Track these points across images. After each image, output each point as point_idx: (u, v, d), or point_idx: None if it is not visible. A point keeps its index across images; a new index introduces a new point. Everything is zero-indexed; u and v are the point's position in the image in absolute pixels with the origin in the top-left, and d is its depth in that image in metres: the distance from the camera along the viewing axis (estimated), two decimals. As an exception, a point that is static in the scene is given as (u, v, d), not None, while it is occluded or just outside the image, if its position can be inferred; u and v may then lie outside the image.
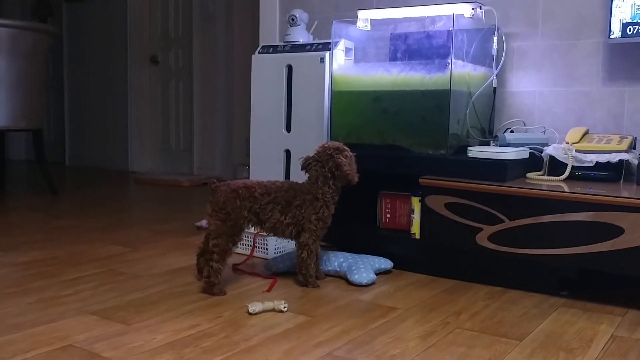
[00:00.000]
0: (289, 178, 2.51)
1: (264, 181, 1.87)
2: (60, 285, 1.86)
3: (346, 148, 1.90)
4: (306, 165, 1.90)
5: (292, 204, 1.85)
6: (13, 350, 1.36)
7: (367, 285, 1.92)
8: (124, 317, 1.58)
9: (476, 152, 2.03)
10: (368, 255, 2.07)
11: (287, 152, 2.54)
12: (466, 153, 2.07)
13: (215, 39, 4.78)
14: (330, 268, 2.00)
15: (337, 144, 1.90)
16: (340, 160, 1.85)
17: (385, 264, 2.05)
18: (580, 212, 1.75)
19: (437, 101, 2.10)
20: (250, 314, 1.61)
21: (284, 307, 1.64)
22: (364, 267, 1.96)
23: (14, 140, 6.24)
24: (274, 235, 1.92)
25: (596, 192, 1.76)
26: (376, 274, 1.98)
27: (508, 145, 2.14)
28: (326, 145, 1.89)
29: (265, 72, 2.57)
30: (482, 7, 2.28)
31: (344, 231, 2.26)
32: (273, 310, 1.64)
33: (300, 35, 2.59)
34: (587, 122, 2.27)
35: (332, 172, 1.86)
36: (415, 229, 2.11)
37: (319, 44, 2.47)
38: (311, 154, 1.91)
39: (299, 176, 2.22)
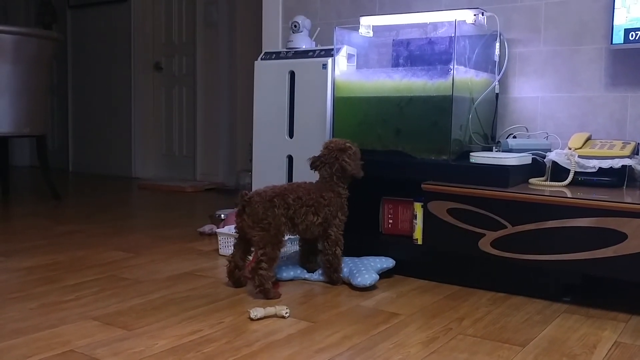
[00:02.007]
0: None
1: (286, 185, 1.93)
2: (62, 291, 1.86)
3: (350, 145, 2.01)
4: (315, 166, 2.02)
5: (322, 203, 1.93)
6: (15, 355, 1.36)
7: (371, 286, 1.92)
8: (126, 323, 1.58)
9: (479, 157, 2.03)
10: (368, 257, 2.06)
11: (290, 158, 2.54)
12: (469, 159, 2.07)
13: (218, 46, 4.79)
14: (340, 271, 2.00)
15: (340, 143, 2.00)
16: (344, 162, 1.97)
17: (387, 262, 2.04)
18: (583, 217, 1.74)
19: (440, 107, 2.10)
20: (252, 319, 1.61)
21: (286, 313, 1.63)
22: (365, 269, 1.96)
23: (17, 146, 6.26)
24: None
25: (599, 197, 1.76)
26: (379, 274, 1.98)
27: (510, 151, 2.14)
28: (330, 146, 2.00)
29: (268, 78, 2.58)
30: (484, 13, 2.28)
31: (346, 236, 2.25)
32: (275, 316, 1.64)
33: (303, 42, 2.60)
34: (590, 128, 2.27)
35: (338, 172, 1.98)
36: (418, 234, 2.11)
37: (322, 50, 2.48)
38: (317, 154, 2.03)
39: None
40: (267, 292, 1.79)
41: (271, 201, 1.84)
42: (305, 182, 1.99)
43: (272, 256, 1.81)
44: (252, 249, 1.88)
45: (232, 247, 1.93)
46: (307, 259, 2.08)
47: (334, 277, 1.97)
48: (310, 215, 1.91)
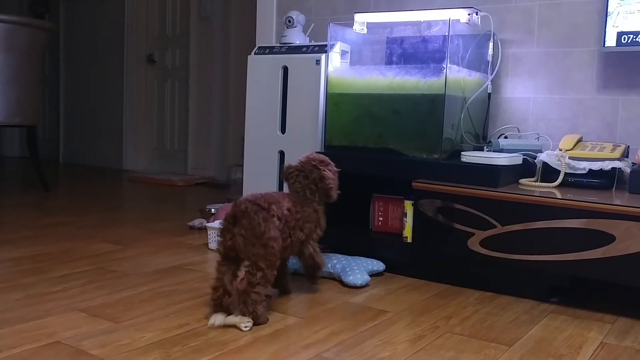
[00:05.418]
0: (283, 180, 2.50)
1: (272, 193, 1.66)
2: (49, 282, 1.85)
3: (331, 162, 1.81)
4: (287, 174, 1.79)
5: (305, 219, 1.72)
6: (0, 346, 1.35)
7: (361, 287, 1.92)
8: (113, 315, 1.58)
9: (469, 157, 2.04)
10: (360, 257, 2.07)
11: (282, 154, 2.53)
12: (460, 158, 2.07)
13: (211, 39, 4.77)
14: (323, 270, 2.00)
15: (322, 156, 1.81)
16: (325, 172, 1.76)
17: (378, 265, 2.05)
18: (572, 219, 1.75)
19: (432, 105, 2.10)
20: (210, 326, 1.52)
21: (245, 327, 1.50)
22: (358, 269, 1.96)
23: (8, 136, 6.22)
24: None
25: (588, 199, 1.77)
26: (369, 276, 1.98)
27: (501, 151, 2.14)
28: (311, 157, 1.80)
29: (261, 73, 2.57)
30: (478, 12, 2.29)
31: (336, 233, 2.26)
32: (234, 326, 1.51)
33: (297, 37, 2.59)
34: (581, 130, 2.27)
35: (315, 183, 1.76)
36: (408, 232, 2.11)
37: (315, 46, 2.47)
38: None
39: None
40: (259, 317, 1.53)
41: (269, 210, 1.56)
42: (286, 193, 1.75)
43: (269, 278, 1.54)
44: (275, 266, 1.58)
45: (216, 271, 1.58)
46: (277, 281, 1.77)
47: (317, 274, 1.83)
48: (298, 231, 1.68)
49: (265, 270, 1.52)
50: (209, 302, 1.63)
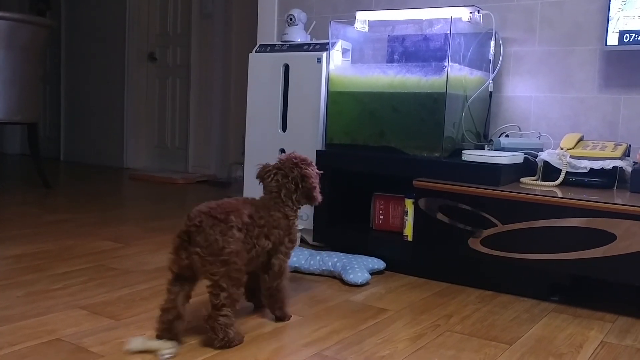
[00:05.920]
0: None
1: (230, 200, 1.47)
2: (50, 280, 1.85)
3: (313, 163, 1.63)
4: (263, 174, 1.60)
5: (271, 224, 1.52)
6: (0, 343, 1.35)
7: (362, 285, 1.92)
8: (113, 313, 1.58)
9: (470, 155, 2.03)
10: (361, 255, 2.07)
11: (282, 152, 2.53)
12: (460, 156, 2.07)
13: (213, 37, 4.77)
14: (324, 268, 2.00)
15: (304, 155, 1.63)
16: (307, 171, 1.58)
17: (378, 264, 2.05)
18: (573, 217, 1.75)
19: (433, 104, 2.10)
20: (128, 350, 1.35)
21: (169, 354, 1.32)
22: (359, 267, 1.96)
23: (8, 134, 6.22)
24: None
25: (589, 198, 1.76)
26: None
27: (503, 149, 2.14)
28: (292, 155, 1.61)
29: (262, 71, 2.57)
30: (480, 11, 2.28)
31: (337, 231, 2.26)
32: (156, 351, 1.33)
33: (298, 35, 2.59)
34: (582, 129, 2.27)
35: (296, 183, 1.57)
36: (408, 231, 2.11)
37: (317, 44, 2.47)
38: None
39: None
40: (232, 341, 1.38)
41: (227, 221, 1.37)
42: (247, 198, 1.55)
43: (235, 298, 1.38)
44: (242, 283, 1.41)
45: (167, 291, 1.39)
46: (252, 293, 1.65)
47: (278, 314, 1.58)
48: (263, 239, 1.48)
49: (229, 290, 1.36)
50: (155, 324, 1.41)
